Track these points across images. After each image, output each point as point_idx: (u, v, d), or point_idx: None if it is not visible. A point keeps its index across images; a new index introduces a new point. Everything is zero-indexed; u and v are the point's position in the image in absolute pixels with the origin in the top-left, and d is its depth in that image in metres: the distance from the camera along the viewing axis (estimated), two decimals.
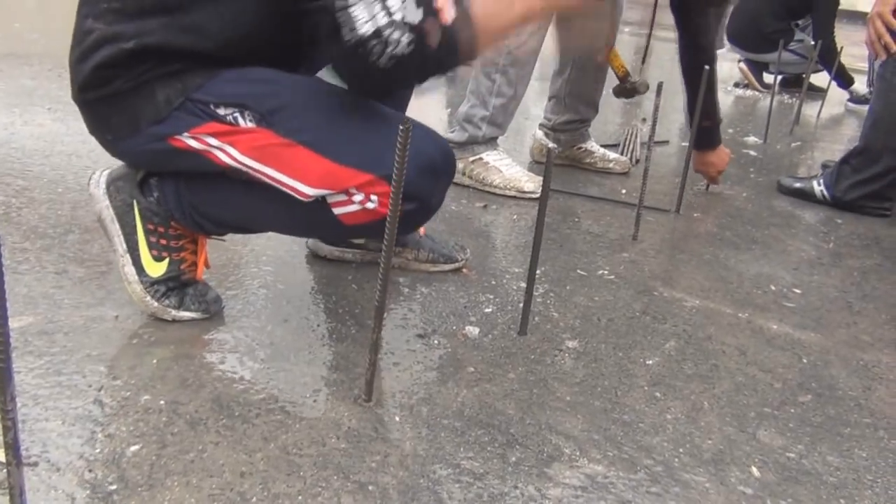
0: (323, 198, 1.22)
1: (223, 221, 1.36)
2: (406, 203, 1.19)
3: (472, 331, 1.48)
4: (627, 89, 2.33)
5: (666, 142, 3.21)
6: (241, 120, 1.21)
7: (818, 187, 2.55)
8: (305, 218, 1.27)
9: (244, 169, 1.23)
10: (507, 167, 2.31)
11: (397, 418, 1.19)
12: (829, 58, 4.28)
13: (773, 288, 1.84)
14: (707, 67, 2.14)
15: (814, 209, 2.51)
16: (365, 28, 1.07)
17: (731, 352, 1.51)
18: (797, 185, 2.60)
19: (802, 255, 2.08)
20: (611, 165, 2.65)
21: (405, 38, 1.09)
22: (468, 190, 2.29)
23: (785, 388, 1.40)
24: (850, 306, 1.79)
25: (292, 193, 1.21)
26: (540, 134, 2.68)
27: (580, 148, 2.65)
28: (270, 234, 1.73)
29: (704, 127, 2.35)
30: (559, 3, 1.26)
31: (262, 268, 1.64)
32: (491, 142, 2.34)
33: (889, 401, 1.40)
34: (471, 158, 2.31)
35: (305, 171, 1.19)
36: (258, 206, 1.30)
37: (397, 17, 1.08)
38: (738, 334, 1.59)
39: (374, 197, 1.20)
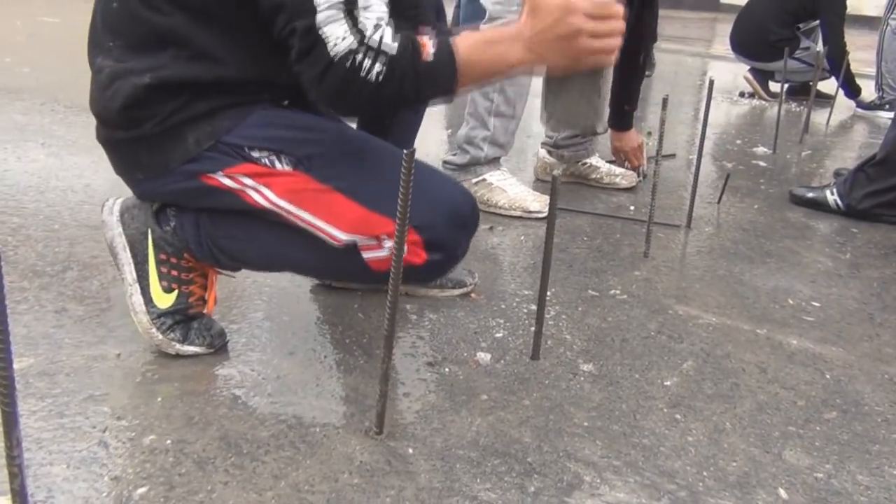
0: (354, 243, 1.24)
1: (243, 258, 1.37)
2: (433, 253, 1.24)
3: (484, 357, 1.47)
4: None
5: (673, 155, 3.22)
6: (277, 163, 1.25)
7: (831, 196, 2.55)
8: (334, 261, 1.29)
9: (278, 211, 1.25)
10: (512, 187, 2.33)
11: (411, 450, 1.18)
12: (838, 63, 4.31)
13: (790, 302, 1.84)
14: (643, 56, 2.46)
15: (828, 219, 2.51)
16: (339, 48, 1.12)
17: (751, 369, 1.51)
18: (810, 195, 2.61)
19: (819, 267, 2.08)
20: (617, 180, 2.66)
21: (377, 66, 1.13)
22: None
23: (809, 405, 1.40)
24: (872, 318, 1.78)
25: (325, 238, 1.25)
26: (543, 152, 2.71)
27: (585, 164, 2.67)
28: None
29: (626, 111, 2.61)
30: (552, 61, 1.22)
31: (265, 299, 1.64)
32: (494, 162, 2.36)
33: None
34: (474, 180, 2.32)
35: (340, 216, 1.23)
36: (286, 247, 1.32)
37: (372, 41, 1.13)
38: (757, 351, 1.58)
39: None
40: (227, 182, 1.26)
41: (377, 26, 1.14)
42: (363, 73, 1.13)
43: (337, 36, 1.12)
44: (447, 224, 1.25)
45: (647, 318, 1.69)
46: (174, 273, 1.36)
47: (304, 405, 1.28)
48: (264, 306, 1.61)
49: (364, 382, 1.35)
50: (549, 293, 1.73)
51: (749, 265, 2.05)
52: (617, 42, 1.21)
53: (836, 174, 2.83)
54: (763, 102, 4.80)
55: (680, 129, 3.80)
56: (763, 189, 2.82)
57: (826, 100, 4.50)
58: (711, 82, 2.19)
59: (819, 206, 2.58)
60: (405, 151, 1.03)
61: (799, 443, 1.28)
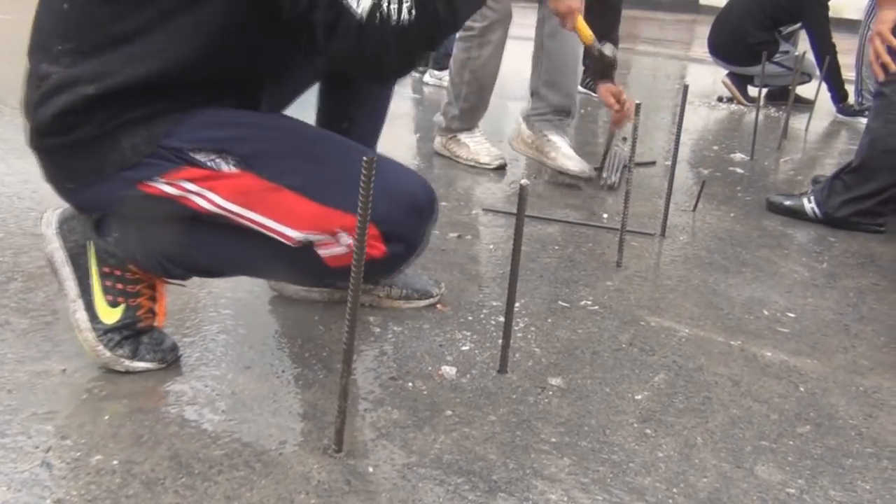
0: (308, 240, 1.25)
1: (193, 265, 1.37)
2: (393, 245, 1.25)
3: (449, 371, 1.48)
4: (594, 56, 2.46)
5: (653, 163, 3.24)
6: (222, 164, 1.24)
7: (809, 205, 2.59)
8: (288, 261, 1.30)
9: (226, 214, 1.25)
10: (475, 143, 2.99)
11: (371, 469, 1.18)
12: (829, 65, 4.37)
13: (765, 313, 1.86)
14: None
15: (805, 228, 2.55)
16: (363, 5, 1.10)
17: (724, 382, 1.53)
18: (787, 202, 2.65)
19: (795, 277, 2.11)
20: (569, 164, 2.79)
21: (406, 2, 1.12)
22: (440, 222, 2.30)
23: (782, 419, 1.42)
24: (848, 329, 1.81)
25: (278, 238, 1.25)
26: (521, 121, 3.04)
27: (546, 137, 2.84)
28: None
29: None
30: None
31: (221, 311, 1.63)
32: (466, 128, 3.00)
33: (892, 428, 1.42)
34: (448, 136, 3.04)
35: (293, 214, 1.23)
36: (237, 251, 1.32)
37: None
38: (730, 364, 1.60)
39: None
40: (168, 189, 1.24)
41: None
42: (394, 21, 1.12)
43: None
44: (405, 214, 1.26)
45: (618, 330, 1.71)
46: (119, 286, 1.35)
47: (260, 422, 1.28)
48: (220, 319, 1.60)
49: (323, 398, 1.35)
50: (517, 304, 1.74)
51: (724, 275, 2.08)
52: None
53: (815, 181, 2.88)
54: (741, 107, 4.87)
55: (657, 135, 3.84)
56: (740, 197, 2.86)
57: (805, 105, 4.58)
58: (685, 87, 2.22)
59: (796, 214, 2.62)
60: (364, 158, 1.04)
61: (771, 458, 1.30)
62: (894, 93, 2.46)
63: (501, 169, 2.93)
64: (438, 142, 3.10)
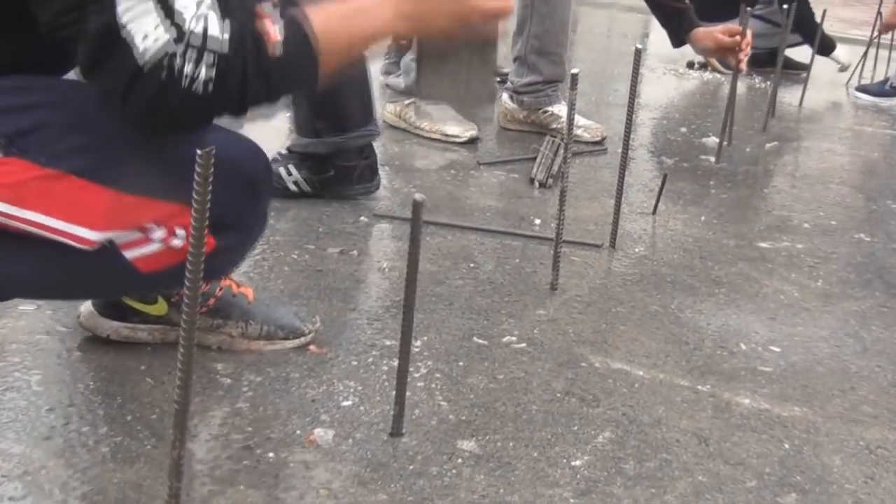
0: (110, 240, 1.25)
1: None
2: (223, 235, 1.27)
3: (325, 435, 1.48)
4: None
5: (604, 148, 3.30)
6: None
7: None
8: (84, 271, 1.30)
9: None
10: (437, 112, 3.22)
11: None
12: (806, 24, 4.51)
13: (743, 347, 1.92)
14: None
15: (795, 234, 2.63)
16: (150, 50, 1.11)
17: (687, 440, 1.57)
18: None
19: (782, 299, 2.19)
20: (579, 132, 3.09)
21: (204, 71, 1.14)
22: (316, 232, 2.31)
23: (761, 485, 1.47)
24: (846, 367, 1.89)
25: (69, 241, 1.24)
26: (505, 97, 3.43)
27: (546, 112, 3.34)
28: (19, 303, 1.70)
29: (680, 9, 3.33)
30: (433, 24, 1.33)
31: (8, 360, 1.60)
32: None
33: None
34: (406, 102, 3.28)
35: (84, 208, 1.23)
36: (13, 265, 1.30)
37: (194, 36, 1.13)
38: (696, 415, 1.65)
39: (180, 231, 1.26)
40: None
41: (198, 16, 1.14)
42: (185, 84, 1.13)
43: (144, 33, 1.11)
44: (234, 192, 1.27)
45: (552, 375, 1.74)
46: None
47: None
48: (7, 370, 1.57)
49: (151, 477, 1.34)
50: (418, 343, 1.76)
51: (691, 298, 2.14)
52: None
53: None
54: (717, 76, 5.00)
55: (612, 113, 3.90)
56: (713, 194, 2.94)
57: (797, 72, 4.72)
58: (638, 51, 2.27)
59: None
60: (199, 152, 1.04)
61: None
62: None
63: (472, 143, 3.23)
64: (391, 110, 3.35)
